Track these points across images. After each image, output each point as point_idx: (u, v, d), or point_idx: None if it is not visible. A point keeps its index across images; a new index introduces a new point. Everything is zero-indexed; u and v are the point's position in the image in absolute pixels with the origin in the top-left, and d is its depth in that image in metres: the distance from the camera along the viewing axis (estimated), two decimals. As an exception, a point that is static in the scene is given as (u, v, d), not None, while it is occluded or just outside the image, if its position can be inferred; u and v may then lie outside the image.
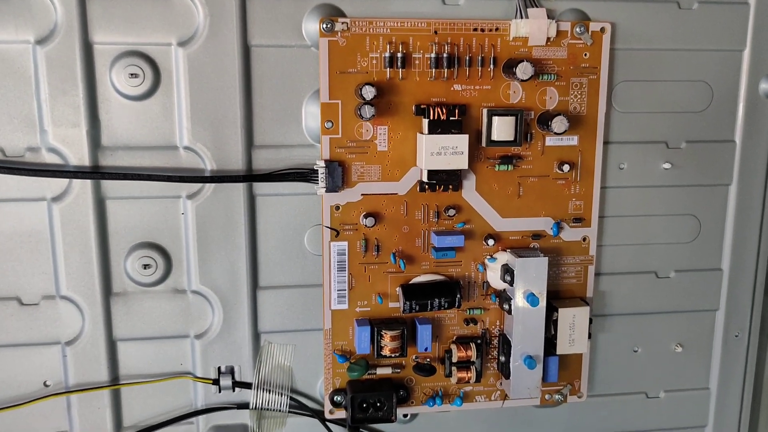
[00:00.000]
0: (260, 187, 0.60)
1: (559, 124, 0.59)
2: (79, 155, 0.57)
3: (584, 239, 0.64)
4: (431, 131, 0.58)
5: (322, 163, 0.58)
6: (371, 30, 0.57)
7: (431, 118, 0.58)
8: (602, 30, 0.61)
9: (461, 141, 0.58)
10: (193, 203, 0.59)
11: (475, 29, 0.59)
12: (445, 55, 0.58)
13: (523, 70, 0.57)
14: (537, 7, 0.60)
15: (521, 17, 0.59)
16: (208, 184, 0.58)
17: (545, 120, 0.60)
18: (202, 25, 0.56)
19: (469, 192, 0.61)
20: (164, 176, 0.57)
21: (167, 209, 0.59)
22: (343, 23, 0.57)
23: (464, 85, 0.59)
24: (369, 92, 0.56)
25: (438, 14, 0.59)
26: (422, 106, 0.58)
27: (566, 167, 0.62)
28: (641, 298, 0.67)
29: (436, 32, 0.58)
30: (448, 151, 0.58)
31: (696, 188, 0.66)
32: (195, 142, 0.58)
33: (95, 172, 0.57)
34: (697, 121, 0.65)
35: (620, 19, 0.62)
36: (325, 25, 0.56)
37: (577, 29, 0.60)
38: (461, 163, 0.58)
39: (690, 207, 0.66)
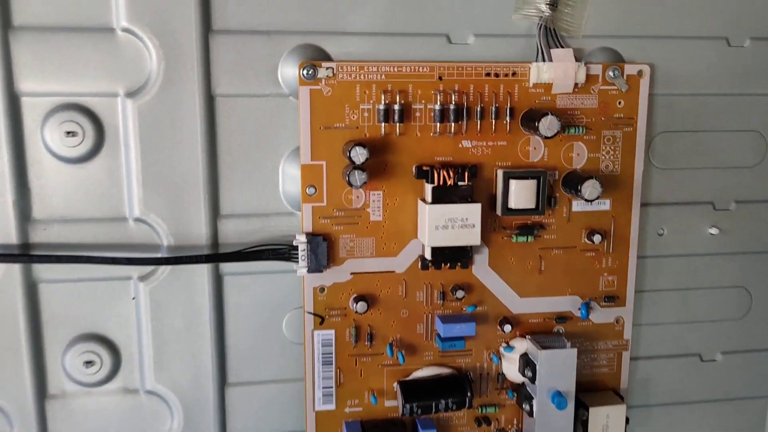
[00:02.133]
0: (229, 265, 0.52)
1: (591, 189, 0.49)
2: (4, 231, 0.49)
3: (617, 321, 0.56)
4: (436, 200, 0.49)
5: (303, 238, 0.50)
6: (362, 76, 0.49)
7: (436, 183, 0.49)
8: (639, 73, 0.52)
9: (472, 211, 0.49)
10: (146, 286, 0.52)
11: (488, 74, 0.50)
12: (451, 105, 0.50)
13: (548, 125, 0.48)
14: (562, 47, 0.50)
15: (543, 59, 0.50)
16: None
17: (573, 183, 0.51)
18: (155, 72, 0.49)
19: (481, 268, 0.53)
20: (108, 258, 0.49)
21: (114, 293, 0.51)
22: (327, 68, 0.49)
23: (475, 141, 0.51)
24: (360, 155, 0.46)
25: (443, 56, 0.51)
26: (424, 168, 0.50)
27: (597, 237, 0.52)
28: (684, 385, 0.61)
29: (440, 78, 0.50)
30: (456, 223, 0.48)
31: (747, 256, 0.59)
32: (148, 212, 0.50)
33: (23, 255, 0.49)
34: (749, 178, 0.58)
35: (660, 59, 0.54)
36: (306, 71, 0.48)
37: (610, 73, 0.52)
38: (472, 238, 0.49)
39: (740, 278, 0.59)
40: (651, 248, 0.57)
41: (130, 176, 0.49)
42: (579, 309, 0.54)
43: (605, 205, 0.53)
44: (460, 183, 0.49)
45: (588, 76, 0.51)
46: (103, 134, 0.49)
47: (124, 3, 0.47)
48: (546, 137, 0.48)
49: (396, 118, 0.49)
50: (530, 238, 0.52)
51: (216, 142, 0.50)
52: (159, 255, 0.50)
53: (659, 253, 0.57)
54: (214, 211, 0.51)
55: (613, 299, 0.55)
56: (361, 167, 0.47)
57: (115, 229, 0.50)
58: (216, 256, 0.50)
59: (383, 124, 0.49)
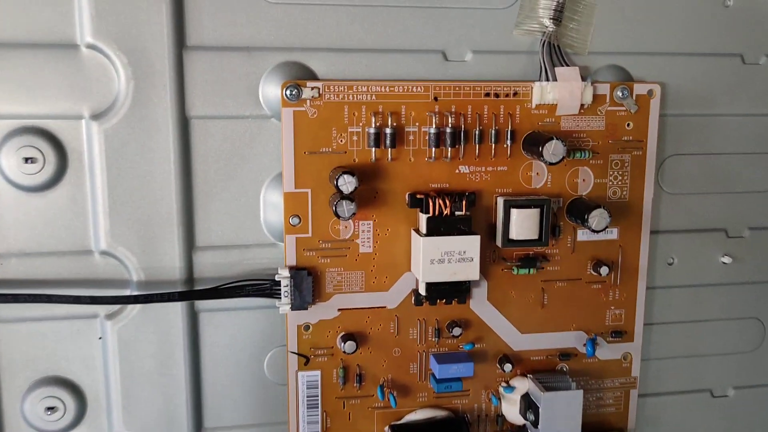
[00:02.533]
0: (205, 301, 0.48)
1: (598, 219, 0.46)
2: (-44, 266, 0.45)
3: (625, 357, 0.53)
4: (431, 231, 0.45)
5: (286, 273, 0.46)
6: (350, 96, 0.46)
7: (431, 213, 0.45)
8: (650, 93, 0.49)
9: (471, 244, 0.45)
10: (113, 325, 0.48)
11: (487, 94, 0.47)
12: (447, 128, 0.47)
13: (553, 151, 0.44)
14: (567, 65, 0.47)
15: (547, 78, 0.47)
16: (133, 301, 0.47)
17: (579, 211, 0.47)
18: (123, 92, 0.45)
19: (480, 303, 0.50)
20: (71, 297, 0.44)
21: (79, 333, 0.48)
22: (313, 88, 0.45)
23: (473, 166, 0.47)
24: (349, 184, 0.43)
25: (439, 75, 0.48)
26: (419, 196, 0.47)
27: (604, 269, 0.49)
28: (694, 422, 0.58)
29: (436, 99, 0.47)
30: (453, 257, 0.45)
31: (761, 286, 0.56)
32: (115, 245, 0.47)
33: (-24, 293, 0.45)
34: (764, 203, 0.55)
35: (671, 78, 0.51)
36: (289, 91, 0.45)
37: (618, 93, 0.48)
38: (471, 273, 0.46)
39: (753, 309, 0.57)
40: (660, 278, 0.54)
41: (95, 206, 0.46)
42: (584, 345, 0.51)
43: (612, 234, 0.50)
44: (457, 213, 0.45)
45: (595, 96, 0.48)
46: (65, 160, 0.45)
47: (89, 17, 0.43)
48: (551, 163, 0.45)
49: (387, 142, 0.46)
50: (532, 271, 0.49)
51: (191, 167, 0.47)
52: (127, 292, 0.46)
53: (669, 284, 0.54)
54: (189, 243, 0.47)
55: (621, 334, 0.51)
56: (349, 197, 0.43)
57: (79, 264, 0.46)
58: (190, 293, 0.46)
59: (374, 149, 0.46)
